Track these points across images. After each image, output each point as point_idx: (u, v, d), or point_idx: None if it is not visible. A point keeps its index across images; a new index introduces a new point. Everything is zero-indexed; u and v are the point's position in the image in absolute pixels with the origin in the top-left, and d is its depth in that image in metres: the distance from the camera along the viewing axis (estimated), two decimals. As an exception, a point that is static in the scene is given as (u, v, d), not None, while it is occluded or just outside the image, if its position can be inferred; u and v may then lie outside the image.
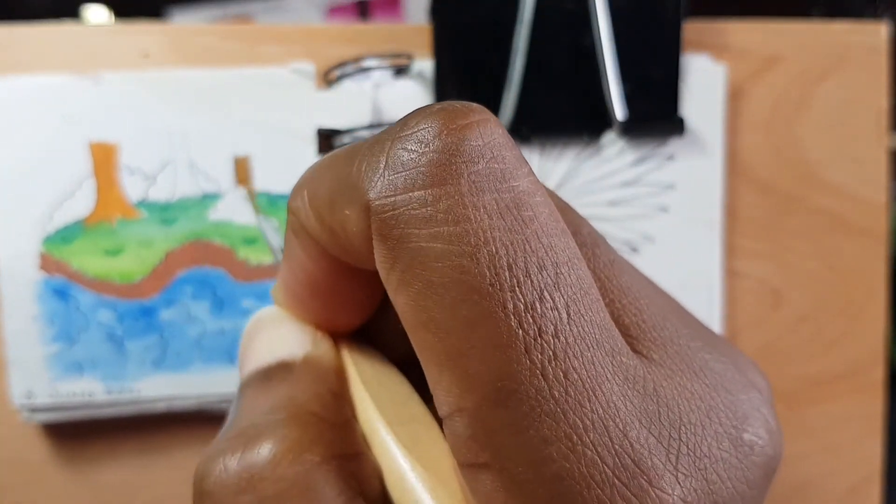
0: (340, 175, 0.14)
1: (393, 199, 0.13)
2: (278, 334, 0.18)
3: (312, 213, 0.15)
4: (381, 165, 0.13)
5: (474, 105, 0.14)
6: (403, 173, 0.13)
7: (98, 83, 0.28)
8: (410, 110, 0.14)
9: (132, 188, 0.28)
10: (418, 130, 0.13)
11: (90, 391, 0.28)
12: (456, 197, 0.13)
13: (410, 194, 0.13)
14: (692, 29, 0.29)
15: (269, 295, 0.28)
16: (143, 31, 0.29)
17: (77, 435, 0.30)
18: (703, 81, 0.29)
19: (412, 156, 0.13)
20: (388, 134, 0.14)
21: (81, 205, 0.28)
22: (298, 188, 0.16)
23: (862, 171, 0.31)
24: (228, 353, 0.28)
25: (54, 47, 0.29)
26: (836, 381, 0.32)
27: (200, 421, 0.30)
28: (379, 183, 0.13)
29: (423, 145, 0.13)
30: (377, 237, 0.13)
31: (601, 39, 0.28)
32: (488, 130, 0.13)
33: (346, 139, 0.28)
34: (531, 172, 0.14)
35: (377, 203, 0.13)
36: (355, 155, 0.14)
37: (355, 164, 0.14)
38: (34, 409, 0.29)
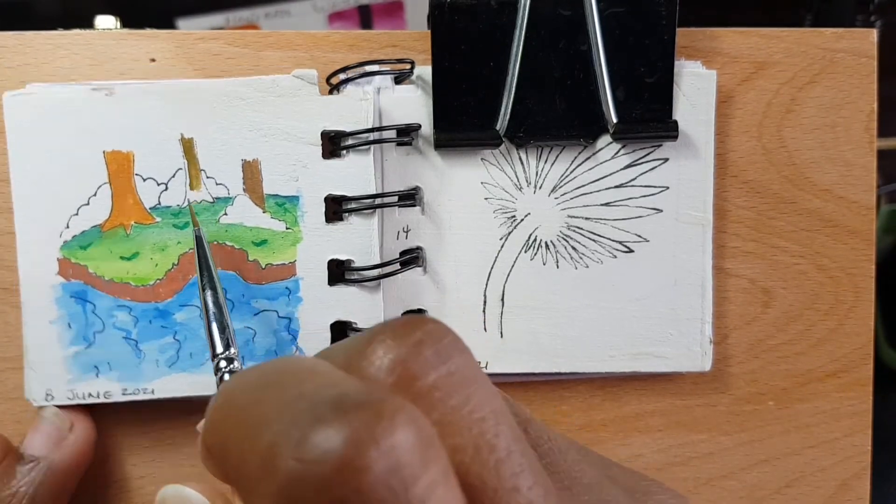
0: (248, 447, 0.13)
1: None
2: None
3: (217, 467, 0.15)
4: (280, 465, 0.12)
5: (387, 404, 0.12)
6: (296, 492, 0.12)
7: (112, 94, 0.29)
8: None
9: (146, 194, 0.29)
10: (322, 445, 0.12)
11: (107, 391, 0.29)
12: None
13: None
14: (684, 36, 0.30)
15: (279, 296, 0.29)
16: (149, 37, 0.30)
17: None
18: (694, 86, 0.30)
19: (308, 472, 0.12)
20: (302, 414, 0.13)
21: (98, 211, 0.29)
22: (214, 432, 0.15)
23: (850, 173, 0.32)
24: (239, 353, 0.29)
25: (64, 52, 0.30)
26: (825, 378, 0.32)
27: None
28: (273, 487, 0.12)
29: (317, 468, 0.12)
30: None
31: (596, 45, 0.29)
32: (398, 454, 0.12)
33: (350, 141, 0.29)
34: (439, 468, 0.12)
35: None
36: (264, 426, 0.13)
37: (264, 440, 0.13)
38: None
